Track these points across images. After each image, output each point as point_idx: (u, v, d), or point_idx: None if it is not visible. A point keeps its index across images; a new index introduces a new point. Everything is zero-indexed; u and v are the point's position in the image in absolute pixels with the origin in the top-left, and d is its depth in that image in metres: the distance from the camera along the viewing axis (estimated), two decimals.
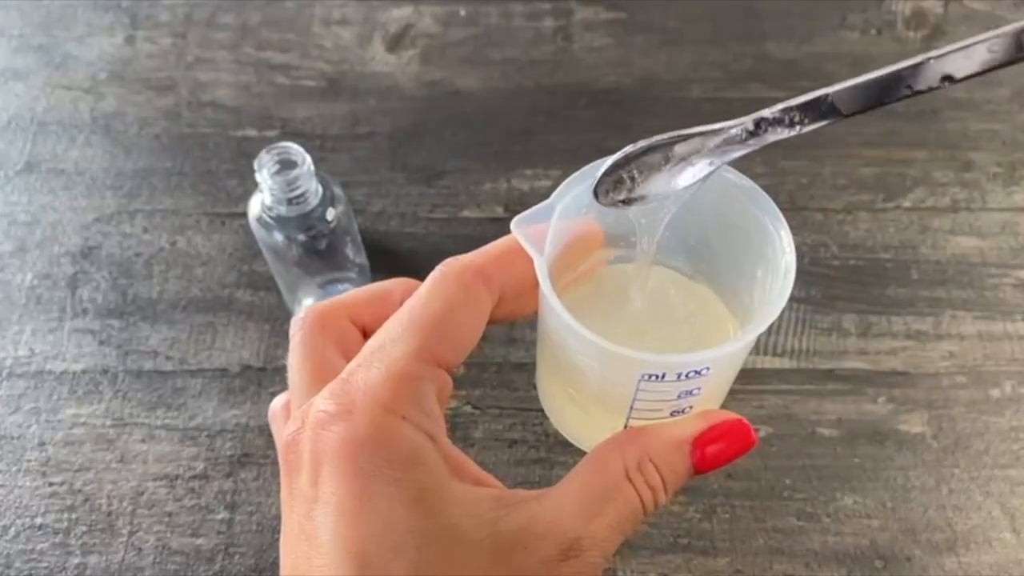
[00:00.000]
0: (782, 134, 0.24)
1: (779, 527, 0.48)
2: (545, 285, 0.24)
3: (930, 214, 0.59)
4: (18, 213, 0.59)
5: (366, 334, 0.27)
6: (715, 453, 0.25)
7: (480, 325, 0.25)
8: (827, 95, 0.23)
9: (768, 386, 0.52)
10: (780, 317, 0.54)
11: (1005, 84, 0.64)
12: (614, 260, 0.29)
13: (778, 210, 0.26)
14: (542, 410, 0.48)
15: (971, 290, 0.56)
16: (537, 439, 0.50)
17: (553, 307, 0.24)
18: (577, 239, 0.27)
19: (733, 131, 0.25)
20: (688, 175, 0.25)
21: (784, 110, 0.24)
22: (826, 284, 0.55)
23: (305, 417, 0.24)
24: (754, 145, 0.24)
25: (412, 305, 0.25)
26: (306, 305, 0.54)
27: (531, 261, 0.25)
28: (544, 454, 0.50)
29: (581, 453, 0.48)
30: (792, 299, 0.55)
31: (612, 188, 0.26)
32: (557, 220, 0.25)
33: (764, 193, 0.26)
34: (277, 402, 0.28)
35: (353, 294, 0.28)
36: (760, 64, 0.66)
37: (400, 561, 0.21)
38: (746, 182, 0.26)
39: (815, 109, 0.23)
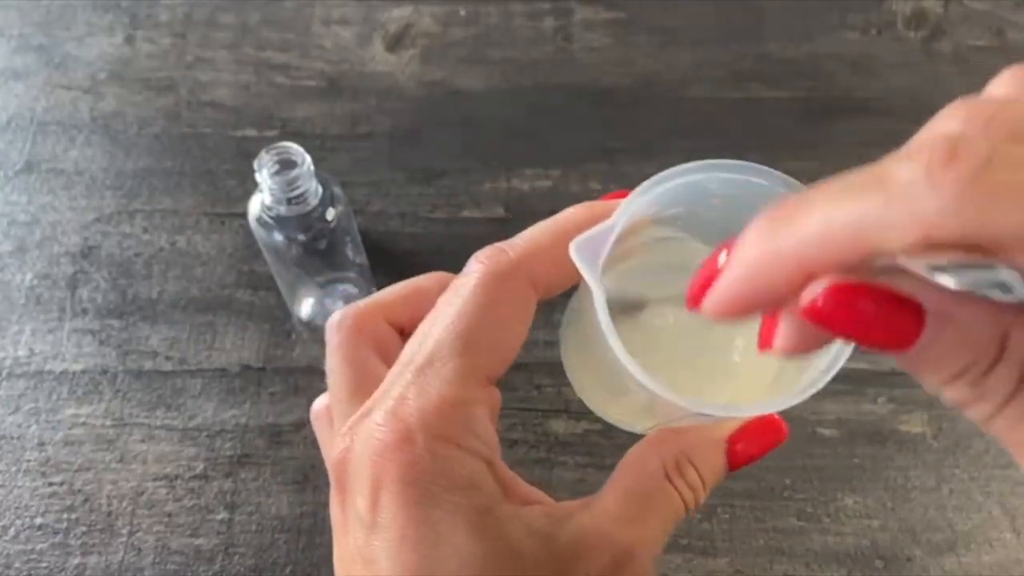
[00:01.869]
0: None
1: (779, 527, 0.48)
2: (607, 326, 0.23)
3: None
4: (18, 213, 0.59)
5: (403, 333, 0.27)
6: (748, 448, 0.26)
7: (526, 331, 0.25)
8: None
9: None
10: None
11: None
12: (657, 238, 0.28)
13: None
14: (542, 410, 0.48)
15: None
16: (537, 439, 0.50)
17: (615, 352, 0.23)
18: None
19: None
20: None
21: None
22: None
23: (354, 435, 0.24)
24: None
25: (460, 313, 0.24)
26: (307, 304, 0.55)
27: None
28: (544, 454, 0.50)
29: (581, 454, 0.48)
30: None
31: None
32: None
33: None
34: (319, 403, 0.28)
35: (388, 293, 0.27)
36: (760, 64, 0.66)
37: None
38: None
39: None
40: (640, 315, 0.29)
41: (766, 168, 0.25)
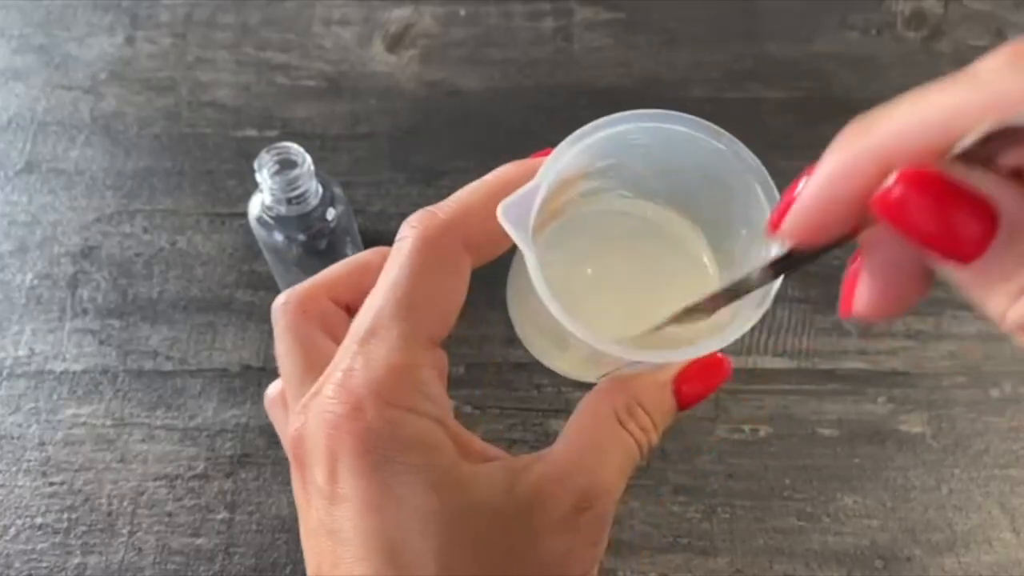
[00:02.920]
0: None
1: (779, 527, 0.48)
2: (541, 287, 0.23)
3: None
4: (18, 213, 0.59)
5: (349, 310, 0.27)
6: (694, 387, 0.27)
7: (464, 290, 0.25)
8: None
9: (768, 386, 0.52)
10: (780, 317, 0.54)
11: None
12: (588, 191, 0.29)
13: (764, 169, 0.25)
14: (542, 410, 0.48)
15: None
16: (537, 439, 0.50)
17: (552, 310, 0.23)
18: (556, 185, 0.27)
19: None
20: None
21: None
22: (826, 284, 0.55)
23: (307, 411, 0.24)
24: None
25: (398, 280, 0.24)
26: None
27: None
28: None
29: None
30: (792, 299, 0.55)
31: None
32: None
33: (748, 151, 0.26)
34: (272, 389, 0.28)
35: (331, 271, 0.28)
36: (760, 64, 0.66)
37: (427, 545, 0.22)
38: (729, 143, 0.26)
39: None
40: (577, 267, 0.29)
41: (686, 115, 0.25)
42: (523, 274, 0.25)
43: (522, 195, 0.24)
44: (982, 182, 0.16)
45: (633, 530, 0.48)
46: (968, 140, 0.16)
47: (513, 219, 0.23)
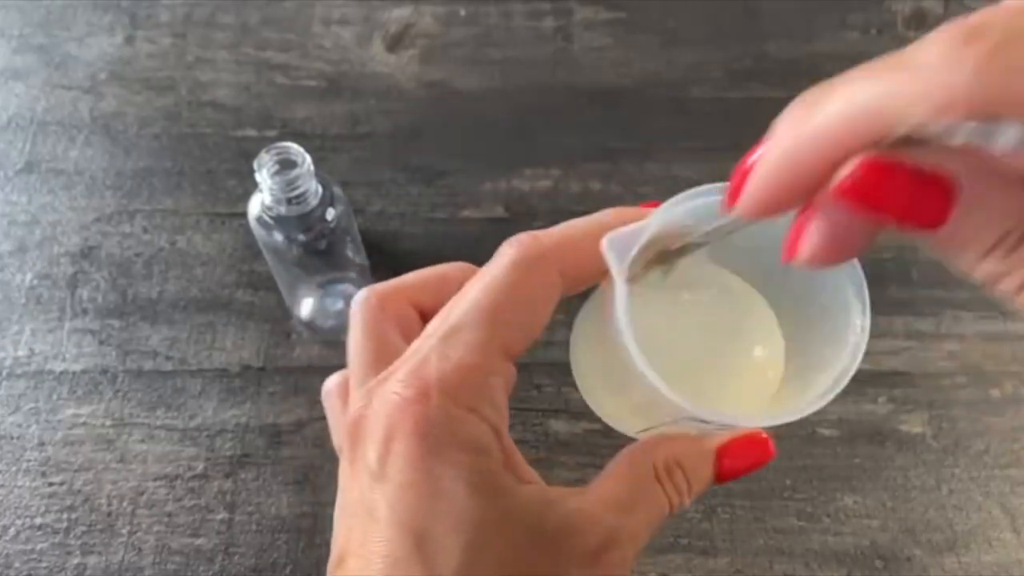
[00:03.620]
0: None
1: (779, 527, 0.48)
2: (623, 318, 0.24)
3: None
4: (18, 213, 0.59)
5: (424, 317, 0.27)
6: (735, 464, 0.27)
7: (549, 315, 0.26)
8: None
9: None
10: None
11: None
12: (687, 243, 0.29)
13: (864, 284, 0.26)
14: (542, 410, 0.48)
15: (971, 290, 0.56)
16: (537, 439, 0.50)
17: (627, 344, 0.24)
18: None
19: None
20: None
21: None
22: None
23: (373, 395, 0.24)
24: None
25: (488, 288, 0.25)
26: (307, 304, 0.54)
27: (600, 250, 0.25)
28: (544, 454, 0.50)
29: (581, 454, 0.48)
30: None
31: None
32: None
33: (858, 266, 0.26)
34: (332, 381, 0.29)
35: (409, 277, 0.28)
36: (760, 64, 0.66)
37: (456, 542, 0.22)
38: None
39: None
40: (659, 320, 0.29)
41: None
42: (602, 309, 0.26)
43: (629, 231, 0.25)
44: (936, 158, 0.17)
45: None
46: (903, 131, 0.16)
47: (616, 250, 0.24)
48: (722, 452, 0.27)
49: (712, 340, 0.29)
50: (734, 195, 0.21)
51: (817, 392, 0.25)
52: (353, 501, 0.24)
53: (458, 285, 0.26)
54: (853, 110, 0.17)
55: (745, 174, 0.20)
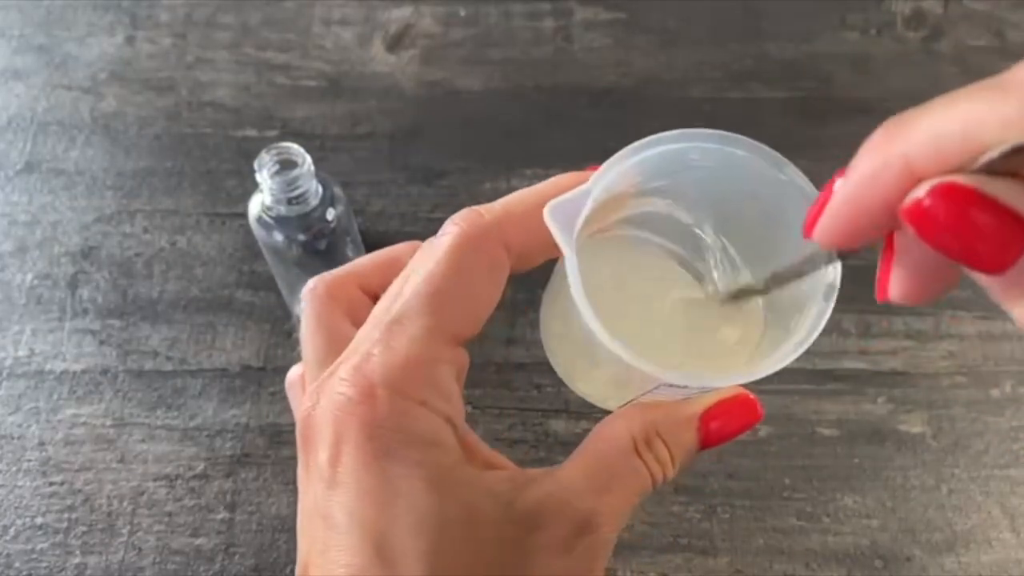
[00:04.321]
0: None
1: (779, 527, 0.48)
2: (577, 290, 0.22)
3: None
4: (18, 213, 0.59)
5: (376, 301, 0.26)
6: (720, 427, 0.26)
7: (498, 295, 0.24)
8: None
9: (768, 386, 0.52)
10: None
11: None
12: (637, 210, 0.28)
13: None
14: (542, 410, 0.48)
15: (971, 290, 0.56)
16: (537, 439, 0.50)
17: (584, 316, 0.22)
18: (609, 200, 0.26)
19: None
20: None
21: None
22: None
23: (320, 393, 0.23)
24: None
25: (430, 273, 0.23)
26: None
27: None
28: (544, 454, 0.50)
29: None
30: None
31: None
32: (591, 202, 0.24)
33: (811, 186, 0.25)
34: (294, 372, 0.28)
35: (361, 262, 0.27)
36: (760, 64, 0.66)
37: (417, 544, 0.22)
38: (793, 174, 0.25)
39: None
40: (621, 288, 0.28)
41: (744, 138, 0.25)
42: (562, 284, 0.24)
43: (570, 198, 0.23)
44: (1010, 194, 0.16)
45: (633, 530, 0.48)
46: (993, 153, 0.16)
47: (560, 220, 0.23)
48: (706, 416, 0.25)
49: (679, 300, 0.29)
50: (811, 224, 0.20)
51: (792, 343, 0.24)
52: (310, 508, 0.23)
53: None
54: (941, 130, 0.16)
55: (824, 202, 0.19)
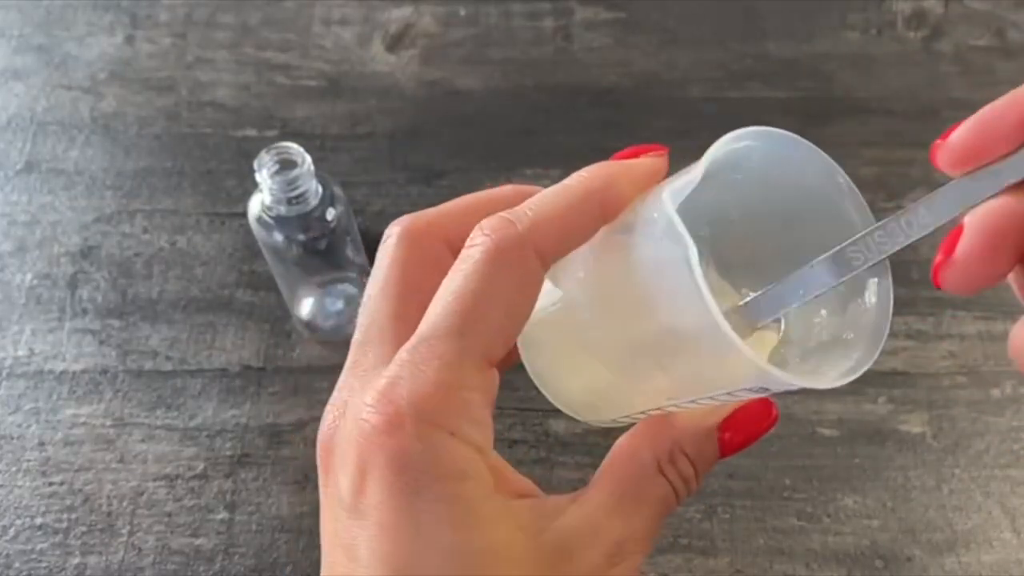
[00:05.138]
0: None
1: (779, 527, 0.48)
2: (702, 285, 0.20)
3: None
4: (18, 213, 0.59)
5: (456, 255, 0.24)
6: (740, 434, 0.25)
7: (531, 308, 0.23)
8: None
9: None
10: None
11: (1006, 83, 0.64)
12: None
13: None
14: (542, 410, 0.48)
15: None
16: (537, 439, 0.50)
17: (707, 306, 0.20)
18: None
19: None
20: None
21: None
22: None
23: (344, 411, 0.23)
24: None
25: (461, 291, 0.22)
26: (307, 304, 0.54)
27: (586, 224, 0.22)
28: (544, 454, 0.50)
29: (581, 454, 0.47)
30: None
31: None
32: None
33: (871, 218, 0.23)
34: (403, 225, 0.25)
35: (451, 206, 0.25)
36: (760, 64, 0.66)
37: None
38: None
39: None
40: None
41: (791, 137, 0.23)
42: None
43: (682, 185, 0.21)
44: None
45: None
46: None
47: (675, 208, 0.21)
48: (725, 426, 0.25)
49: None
50: (938, 272, 0.20)
51: (876, 325, 0.23)
52: (331, 532, 0.22)
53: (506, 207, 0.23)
54: None
55: (954, 241, 0.19)
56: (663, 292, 0.21)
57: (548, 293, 0.25)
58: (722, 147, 0.22)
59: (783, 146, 0.23)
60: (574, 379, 0.28)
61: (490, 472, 0.22)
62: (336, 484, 0.22)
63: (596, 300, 0.24)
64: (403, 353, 0.22)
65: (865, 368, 0.22)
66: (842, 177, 0.23)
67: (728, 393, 0.23)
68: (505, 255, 0.22)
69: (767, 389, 0.22)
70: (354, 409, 0.22)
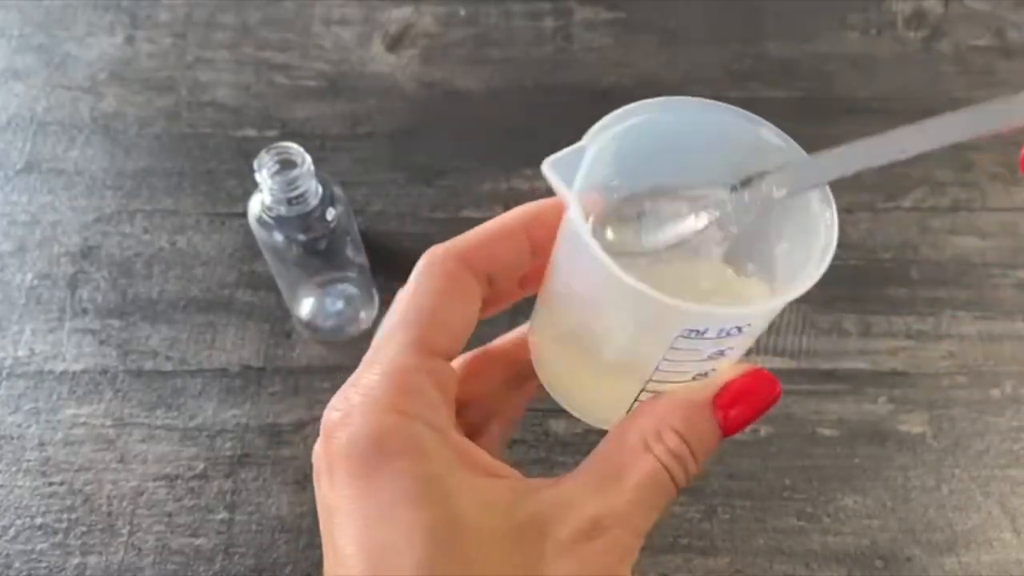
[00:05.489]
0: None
1: (779, 527, 0.48)
2: (582, 229, 0.22)
3: (930, 214, 0.59)
4: (18, 213, 0.59)
5: (490, 280, 0.26)
6: (740, 410, 0.24)
7: (472, 311, 0.26)
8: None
9: None
10: (780, 317, 0.54)
11: (1006, 83, 0.64)
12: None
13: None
14: (542, 410, 0.48)
15: (971, 290, 0.56)
16: (537, 439, 0.50)
17: (593, 252, 0.22)
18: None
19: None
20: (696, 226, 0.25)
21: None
22: (826, 284, 0.55)
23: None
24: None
25: (403, 299, 0.25)
26: (307, 304, 0.54)
27: (518, 245, 0.25)
28: (544, 454, 0.50)
29: (581, 454, 0.47)
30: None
31: (616, 226, 0.25)
32: (585, 174, 0.24)
33: (802, 151, 0.25)
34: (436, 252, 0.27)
35: (472, 237, 0.27)
36: (760, 64, 0.66)
37: (412, 557, 0.21)
38: (786, 144, 0.25)
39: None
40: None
41: (720, 104, 0.25)
42: (567, 282, 0.25)
43: (566, 152, 0.23)
44: None
45: None
46: None
47: (560, 171, 0.23)
48: (720, 402, 0.24)
49: (686, 277, 0.27)
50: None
51: (804, 277, 0.23)
52: (322, 533, 0.23)
53: (515, 237, 0.26)
54: None
55: None
56: (577, 269, 0.24)
57: (540, 312, 0.28)
58: (614, 120, 0.24)
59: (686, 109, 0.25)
60: (574, 383, 0.29)
61: (453, 450, 0.23)
62: (318, 486, 0.24)
63: (559, 303, 0.27)
64: (364, 360, 0.24)
65: (797, 291, 0.23)
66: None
67: (693, 358, 0.24)
68: (434, 265, 0.25)
69: (703, 331, 0.23)
70: (323, 418, 0.24)
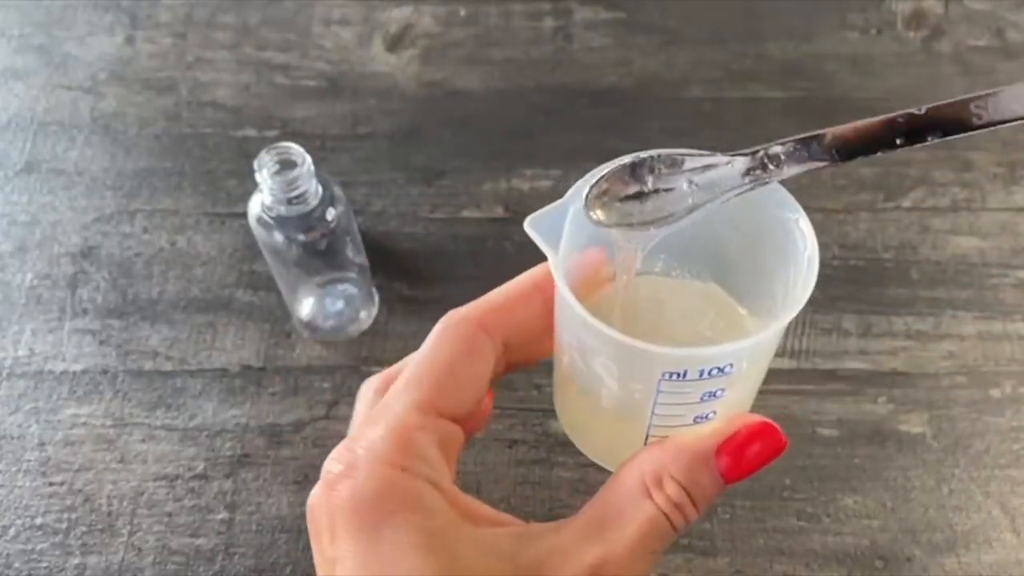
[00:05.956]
0: (787, 172, 0.24)
1: (779, 527, 0.48)
2: (560, 283, 0.24)
3: (930, 214, 0.59)
4: (18, 213, 0.59)
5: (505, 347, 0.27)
6: (743, 461, 0.24)
7: (483, 374, 0.26)
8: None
9: (768, 386, 0.52)
10: None
11: (1005, 84, 0.64)
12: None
13: (795, 201, 0.26)
14: (542, 410, 0.48)
15: (971, 290, 0.56)
16: (537, 439, 0.50)
17: (569, 304, 0.23)
18: (588, 272, 0.27)
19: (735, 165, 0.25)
20: (678, 204, 0.25)
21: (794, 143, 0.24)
22: (826, 284, 0.55)
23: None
24: (753, 184, 0.25)
25: (413, 359, 0.26)
26: (307, 304, 0.54)
27: (535, 308, 0.26)
28: (544, 454, 0.50)
29: (581, 454, 0.47)
30: None
31: (601, 207, 0.25)
32: (569, 229, 0.25)
33: (781, 187, 0.26)
34: (375, 379, 0.28)
35: (492, 300, 0.27)
36: (760, 64, 0.66)
37: None
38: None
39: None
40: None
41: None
42: (563, 335, 0.26)
43: (548, 209, 0.25)
44: None
45: None
46: None
47: (542, 229, 0.24)
48: (724, 451, 0.24)
49: (675, 323, 0.29)
50: None
51: (784, 313, 0.24)
52: None
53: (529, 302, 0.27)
54: None
55: None
56: (563, 318, 0.25)
57: (554, 362, 0.29)
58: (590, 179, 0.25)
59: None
60: (587, 430, 0.30)
61: (453, 505, 0.23)
62: (319, 542, 0.24)
63: (561, 352, 0.28)
64: (369, 415, 0.25)
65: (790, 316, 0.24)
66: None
67: (684, 401, 0.24)
68: (450, 328, 0.26)
69: (683, 373, 0.23)
70: (324, 469, 0.24)
